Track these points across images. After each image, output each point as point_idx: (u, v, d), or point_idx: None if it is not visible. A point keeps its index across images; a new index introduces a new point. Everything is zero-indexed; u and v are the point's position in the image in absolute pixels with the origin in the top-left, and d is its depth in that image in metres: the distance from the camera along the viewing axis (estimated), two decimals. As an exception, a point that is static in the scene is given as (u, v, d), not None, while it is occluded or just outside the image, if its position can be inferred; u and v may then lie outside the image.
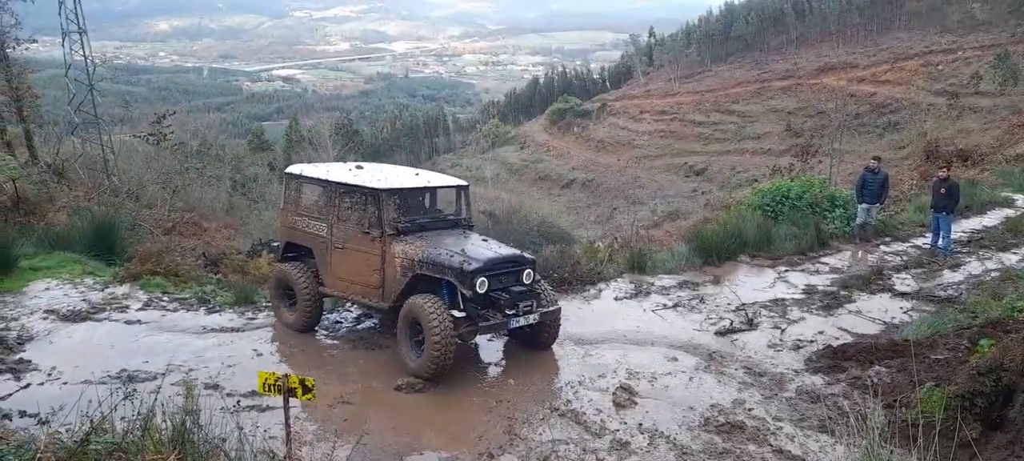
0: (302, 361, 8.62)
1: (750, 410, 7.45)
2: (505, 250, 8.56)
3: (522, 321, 8.27)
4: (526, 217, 21.18)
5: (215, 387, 7.71)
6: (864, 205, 13.87)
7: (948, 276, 11.85)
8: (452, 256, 8.05)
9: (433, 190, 9.66)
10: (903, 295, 10.98)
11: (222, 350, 8.78)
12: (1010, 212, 15.90)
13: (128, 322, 9.61)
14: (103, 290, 10.67)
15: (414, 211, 9.19)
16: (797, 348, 9.09)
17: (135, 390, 6.85)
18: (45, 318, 9.42)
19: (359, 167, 9.46)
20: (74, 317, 9.56)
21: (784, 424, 7.15)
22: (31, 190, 14.11)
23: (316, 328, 9.54)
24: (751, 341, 9.32)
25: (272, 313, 10.19)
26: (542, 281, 8.99)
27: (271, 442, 5.51)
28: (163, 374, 7.77)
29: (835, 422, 6.98)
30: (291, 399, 5.36)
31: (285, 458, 4.32)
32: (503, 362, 8.90)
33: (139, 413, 4.32)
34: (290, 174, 9.77)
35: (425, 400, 7.67)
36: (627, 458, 6.44)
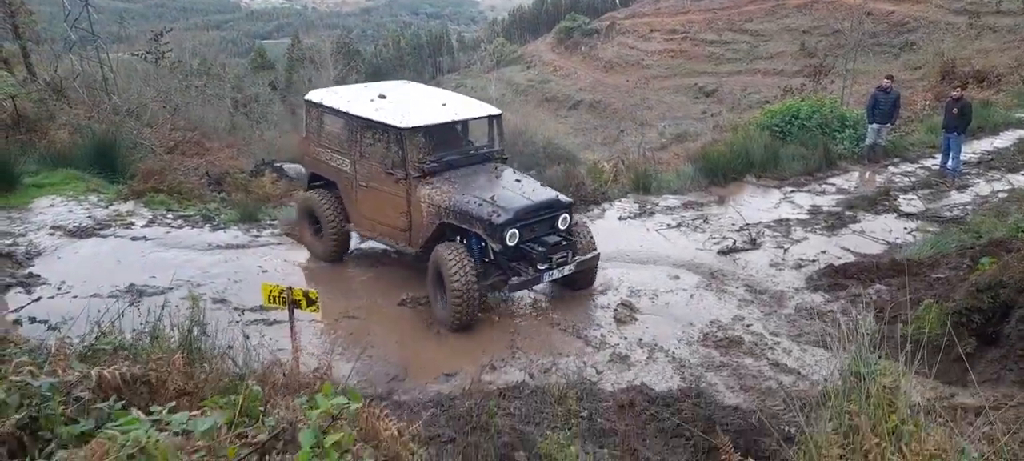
0: (308, 278, 8.72)
1: (749, 326, 7.54)
2: (539, 194, 7.80)
3: (556, 274, 7.64)
4: (532, 138, 20.94)
5: (222, 301, 7.85)
6: (874, 125, 13.66)
7: (955, 197, 11.76)
8: (480, 205, 7.40)
9: (462, 123, 8.80)
10: (908, 216, 10.93)
11: (228, 266, 8.88)
12: (1023, 133, 15.66)
13: (134, 238, 9.69)
14: (108, 207, 10.72)
15: (442, 147, 8.33)
16: (799, 267, 9.12)
17: (142, 300, 6.99)
18: (52, 234, 9.50)
19: (382, 96, 8.55)
20: (80, 233, 9.63)
21: (782, 339, 7.24)
22: (31, 108, 13.99)
23: (345, 257, 9.17)
24: (753, 260, 9.35)
25: (276, 230, 10.27)
26: (580, 222, 8.36)
27: (276, 353, 5.61)
28: (170, 288, 7.90)
29: (831, 337, 7.09)
30: (297, 312, 5.45)
31: (290, 364, 4.41)
32: (506, 279, 9.00)
33: (147, 322, 4.39)
34: (310, 102, 8.97)
35: (428, 315, 7.78)
36: (626, 371, 6.54)
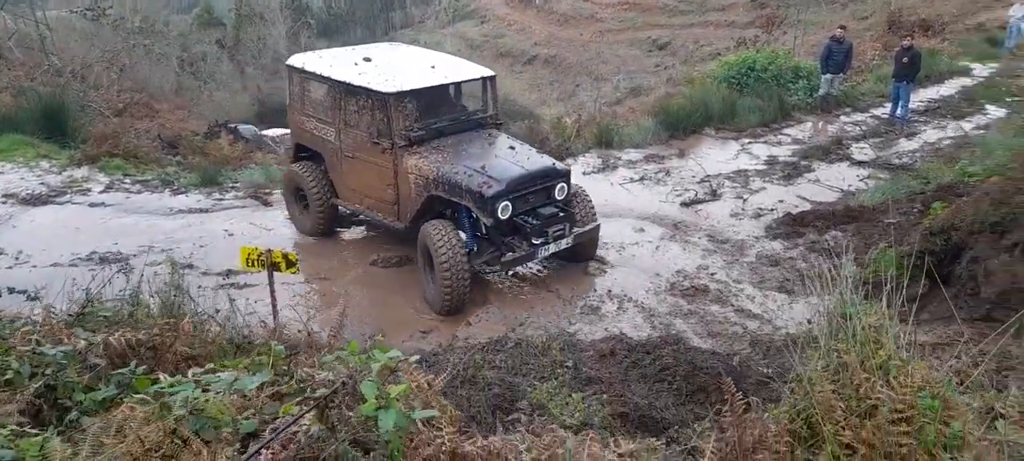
0: (276, 240, 8.64)
1: (713, 274, 7.79)
2: (534, 162, 7.35)
3: (552, 249, 7.21)
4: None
5: (189, 267, 7.74)
6: (828, 76, 13.99)
7: (904, 144, 12.20)
8: (470, 176, 6.93)
9: (453, 86, 8.27)
10: (861, 163, 11.32)
11: (192, 231, 8.74)
12: (967, 81, 16.22)
13: (92, 204, 9.44)
14: (61, 173, 10.38)
15: (430, 113, 7.83)
16: (758, 216, 9.40)
17: (118, 268, 6.85)
18: (4, 202, 9.19)
19: (367, 59, 8.06)
20: (34, 200, 9.34)
21: (745, 286, 7.51)
22: (-34, 70, 13.34)
23: (333, 231, 8.80)
24: (714, 211, 9.59)
25: (240, 193, 10.11)
26: (580, 192, 7.87)
27: (250, 317, 5.61)
28: (134, 255, 7.76)
29: (793, 283, 7.39)
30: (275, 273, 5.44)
31: (273, 326, 4.43)
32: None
33: (124, 291, 4.34)
34: (292, 67, 8.47)
35: (400, 274, 7.82)
36: (598, 322, 6.74)
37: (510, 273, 7.62)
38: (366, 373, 1.86)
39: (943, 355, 3.31)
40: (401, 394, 1.82)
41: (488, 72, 8.27)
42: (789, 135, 13.02)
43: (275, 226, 9.04)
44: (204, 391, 1.81)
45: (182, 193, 10.07)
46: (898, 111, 13.42)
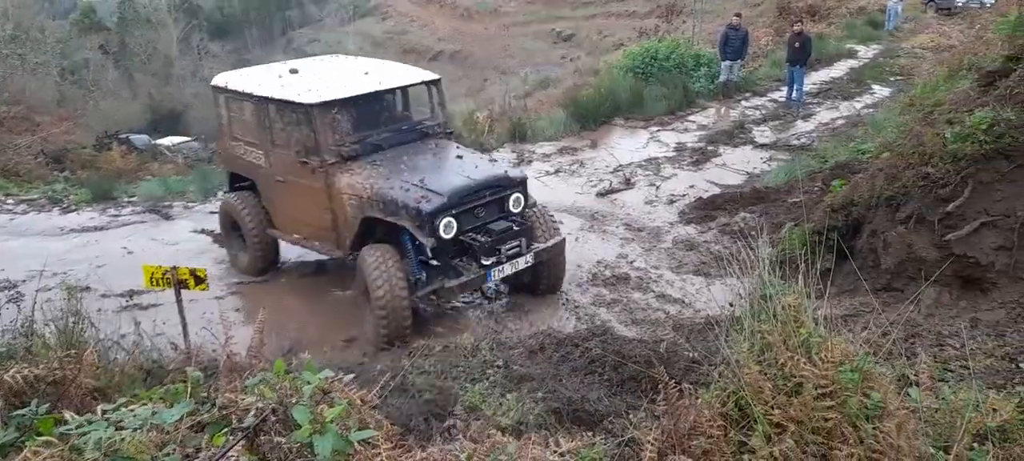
0: (181, 255, 8.20)
1: (632, 262, 7.93)
2: (483, 170, 6.53)
3: (507, 270, 6.26)
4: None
5: (86, 290, 7.24)
6: (727, 62, 14.52)
7: (801, 126, 12.81)
8: (407, 190, 6.10)
9: (389, 94, 7.36)
10: (763, 146, 11.81)
11: (87, 251, 8.20)
12: (854, 63, 17.22)
13: (-30, 229, 8.72)
14: (-68, 197, 9.54)
15: (366, 124, 6.96)
16: (671, 202, 9.65)
17: (6, 297, 6.33)
18: None
19: (293, 71, 7.23)
20: (-98, 228, 8.54)
21: (664, 272, 7.69)
22: None
23: (273, 268, 7.87)
24: (629, 199, 9.79)
25: (138, 207, 9.56)
26: (538, 204, 7.01)
27: (157, 339, 5.31)
28: (24, 281, 7.21)
29: (709, 266, 7.63)
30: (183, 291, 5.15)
31: (185, 348, 4.19)
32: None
33: (15, 321, 4.00)
34: (215, 88, 7.67)
35: (316, 282, 7.60)
36: (523, 318, 6.74)
37: (453, 301, 6.56)
38: (297, 397, 1.76)
39: (854, 326, 3.46)
40: (338, 416, 1.74)
41: (431, 75, 7.52)
42: (695, 122, 13.44)
43: (180, 241, 8.60)
44: (118, 429, 1.66)
45: (73, 211, 9.45)
46: (793, 94, 14.08)
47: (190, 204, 9.80)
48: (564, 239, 6.91)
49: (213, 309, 7.05)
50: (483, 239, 6.17)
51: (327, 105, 6.54)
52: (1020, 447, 2.42)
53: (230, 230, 7.88)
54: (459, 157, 6.90)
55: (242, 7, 51.26)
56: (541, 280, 6.93)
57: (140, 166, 12.46)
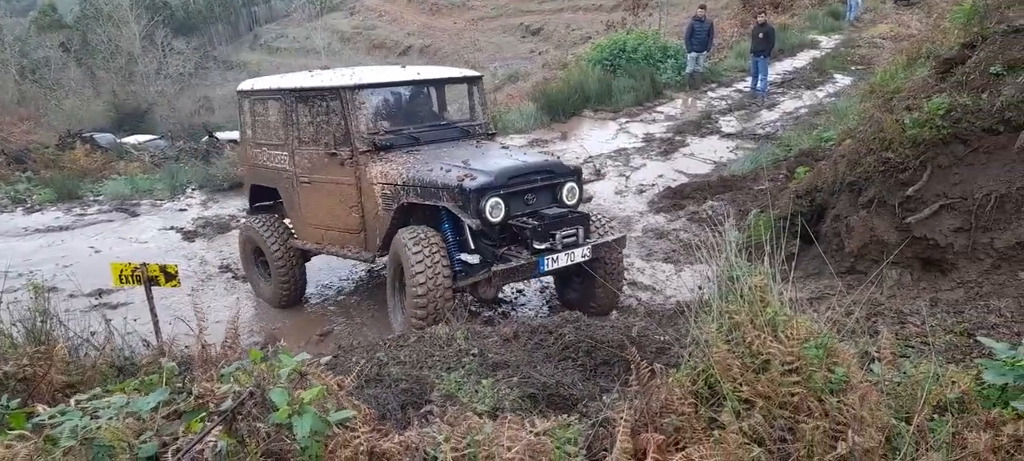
0: (150, 253, 8.11)
1: (604, 252, 8.01)
2: (533, 157, 6.17)
3: (562, 260, 5.52)
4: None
5: (53, 290, 7.12)
6: (693, 54, 14.70)
7: (766, 115, 13.03)
8: (448, 171, 5.59)
9: (426, 88, 6.92)
10: (729, 136, 11.99)
11: (53, 251, 8.06)
12: (816, 53, 17.55)
13: (-71, 231, 8.51)
14: None
15: (402, 118, 6.59)
16: (641, 192, 9.77)
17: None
18: None
19: (325, 67, 6.87)
20: None
21: (634, 260, 7.78)
22: None
23: (303, 300, 7.32)
24: (600, 189, 9.88)
25: (104, 206, 9.42)
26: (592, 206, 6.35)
27: (129, 337, 5.26)
28: (-13, 283, 7.05)
29: (678, 253, 7.74)
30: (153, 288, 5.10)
31: (158, 344, 4.15)
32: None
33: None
34: (241, 92, 7.27)
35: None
36: (496, 306, 6.78)
37: (494, 295, 5.76)
38: (274, 380, 1.77)
39: (819, 307, 3.56)
40: (315, 398, 1.75)
41: (471, 73, 7.11)
42: (662, 112, 13.59)
43: (149, 239, 8.49)
44: (93, 418, 1.66)
45: (37, 211, 9.26)
46: (758, 84, 14.31)
47: (159, 202, 9.68)
48: (624, 236, 6.20)
49: (185, 307, 7.02)
50: (535, 224, 5.51)
51: (359, 88, 6.17)
52: (977, 417, 2.52)
53: (252, 258, 7.37)
54: (505, 148, 6.60)
55: (206, 3, 50.50)
56: (595, 293, 6.05)
57: (106, 165, 12.24)
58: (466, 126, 6.76)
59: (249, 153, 7.28)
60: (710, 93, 14.76)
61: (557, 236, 5.50)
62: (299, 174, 6.66)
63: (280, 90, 6.69)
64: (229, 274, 7.73)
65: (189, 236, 8.50)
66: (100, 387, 2.34)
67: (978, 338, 3.53)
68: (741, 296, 2.76)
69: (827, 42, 18.62)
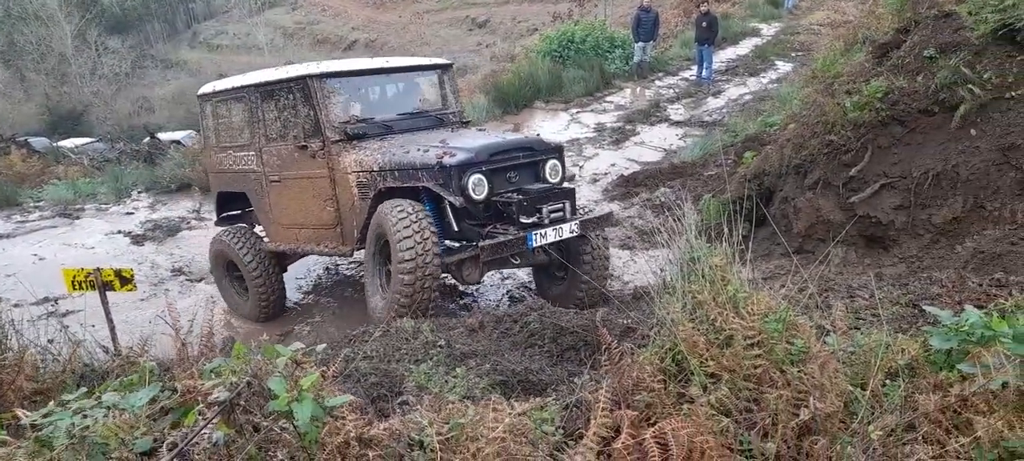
0: (98, 260, 7.89)
1: (561, 240, 8.11)
2: (512, 136, 6.11)
3: (551, 235, 5.35)
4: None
5: (-3, 300, 6.89)
6: (640, 44, 14.95)
7: (712, 103, 13.35)
8: (426, 151, 5.47)
9: (395, 74, 6.73)
10: (678, 123, 12.25)
11: (-7, 260, 7.78)
12: (758, 40, 18.01)
13: None
14: None
15: (373, 108, 6.43)
16: (594, 181, 9.92)
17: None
18: None
19: (289, 62, 6.63)
20: None
21: (592, 248, 7.91)
22: None
23: (281, 312, 7.05)
24: (554, 180, 9.97)
25: (46, 212, 9.11)
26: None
27: (84, 344, 5.14)
28: (-76, 296, 6.77)
29: (633, 240, 7.91)
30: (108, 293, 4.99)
31: (116, 352, 4.08)
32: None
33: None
34: (202, 96, 7.03)
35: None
36: (458, 297, 6.83)
37: (481, 277, 5.74)
38: (270, 370, 1.80)
39: (774, 285, 3.72)
40: (313, 384, 1.79)
41: (442, 61, 7.02)
42: (612, 102, 13.79)
43: (95, 244, 8.25)
44: (83, 418, 1.65)
45: (-27, 220, 8.91)
46: (703, 72, 14.63)
47: (103, 206, 9.40)
48: (612, 213, 6.16)
49: (137, 313, 6.87)
50: (520, 198, 5.39)
51: (326, 76, 6.01)
52: (926, 380, 2.69)
53: (225, 273, 7.11)
54: (482, 130, 6.51)
55: (142, 0, 48.83)
56: (578, 283, 5.86)
57: (44, 169, 11.82)
58: (439, 114, 6.65)
59: (214, 159, 7.01)
60: (658, 82, 15.03)
61: (544, 210, 5.37)
62: (268, 173, 6.45)
63: (243, 88, 6.49)
64: (182, 277, 7.58)
65: (138, 240, 8.29)
66: (70, 394, 2.31)
67: (924, 307, 3.74)
68: (703, 276, 2.88)
69: (768, 30, 19.12)
